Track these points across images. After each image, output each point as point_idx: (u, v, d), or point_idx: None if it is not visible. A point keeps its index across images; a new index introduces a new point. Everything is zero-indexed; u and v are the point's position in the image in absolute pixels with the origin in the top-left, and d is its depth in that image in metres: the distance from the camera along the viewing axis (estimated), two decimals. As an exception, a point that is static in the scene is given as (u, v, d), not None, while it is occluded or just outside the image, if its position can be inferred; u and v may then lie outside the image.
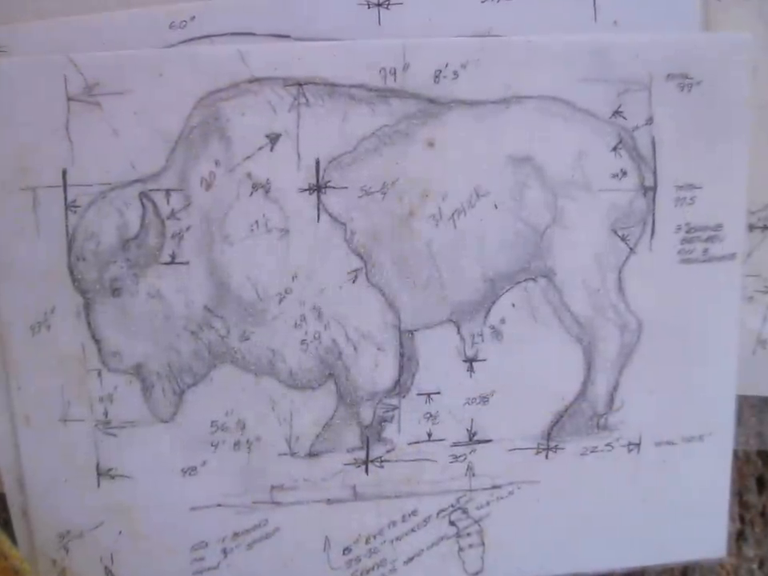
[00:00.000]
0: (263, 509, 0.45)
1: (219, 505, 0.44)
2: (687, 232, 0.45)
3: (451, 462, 0.46)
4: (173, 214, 0.41)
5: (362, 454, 0.45)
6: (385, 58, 0.41)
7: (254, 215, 0.42)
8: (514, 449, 0.46)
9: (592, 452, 0.46)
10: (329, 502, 0.45)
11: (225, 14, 0.41)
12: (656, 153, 0.44)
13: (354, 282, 0.43)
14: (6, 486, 0.43)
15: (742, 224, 0.45)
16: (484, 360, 0.45)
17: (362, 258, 0.43)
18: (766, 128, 0.45)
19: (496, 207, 0.43)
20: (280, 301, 0.43)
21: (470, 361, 0.45)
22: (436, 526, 0.46)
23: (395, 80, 0.41)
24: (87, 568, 0.44)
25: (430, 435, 0.45)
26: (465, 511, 0.46)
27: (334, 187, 0.42)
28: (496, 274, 0.44)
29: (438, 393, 0.45)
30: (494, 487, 0.46)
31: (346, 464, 0.45)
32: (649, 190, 0.44)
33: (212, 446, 0.44)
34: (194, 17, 0.41)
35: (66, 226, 0.41)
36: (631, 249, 0.45)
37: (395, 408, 0.45)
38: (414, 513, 0.46)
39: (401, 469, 0.45)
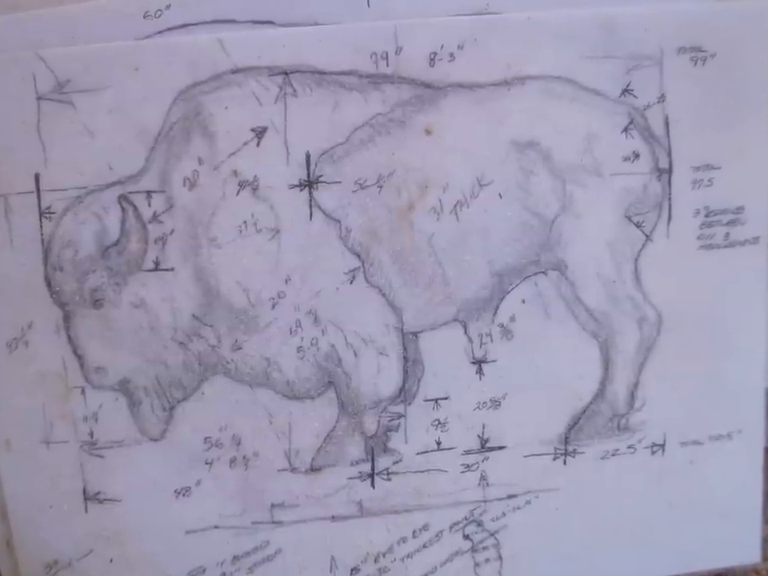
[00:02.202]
0: (263, 529, 0.44)
1: (216, 527, 0.44)
2: (706, 216, 0.44)
3: (463, 472, 0.45)
4: (155, 218, 0.41)
5: (367, 467, 0.44)
6: (375, 42, 0.40)
7: (241, 215, 0.41)
8: (530, 455, 0.45)
9: (613, 455, 0.46)
10: (333, 519, 0.44)
11: (202, 1, 0.40)
12: (670, 132, 0.43)
13: (351, 282, 0.42)
14: (-13, 515, 0.43)
15: (765, 205, 0.44)
16: (494, 361, 0.44)
17: (359, 256, 0.42)
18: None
19: (500, 197, 0.42)
20: (273, 306, 0.42)
21: (479, 362, 0.44)
22: (449, 541, 0.46)
23: (387, 65, 0.41)
24: (77, 599, 0.44)
25: (439, 444, 0.44)
26: (479, 524, 0.45)
27: (326, 182, 0.41)
28: (503, 268, 0.43)
29: (446, 398, 0.44)
30: (510, 497, 0.46)
31: (350, 478, 0.44)
32: (664, 173, 0.43)
33: (206, 464, 0.43)
34: (169, 5, 0.40)
35: (41, 234, 0.40)
36: (647, 236, 0.44)
37: (401, 416, 0.44)
38: (425, 527, 0.45)
39: (409, 481, 0.45)
